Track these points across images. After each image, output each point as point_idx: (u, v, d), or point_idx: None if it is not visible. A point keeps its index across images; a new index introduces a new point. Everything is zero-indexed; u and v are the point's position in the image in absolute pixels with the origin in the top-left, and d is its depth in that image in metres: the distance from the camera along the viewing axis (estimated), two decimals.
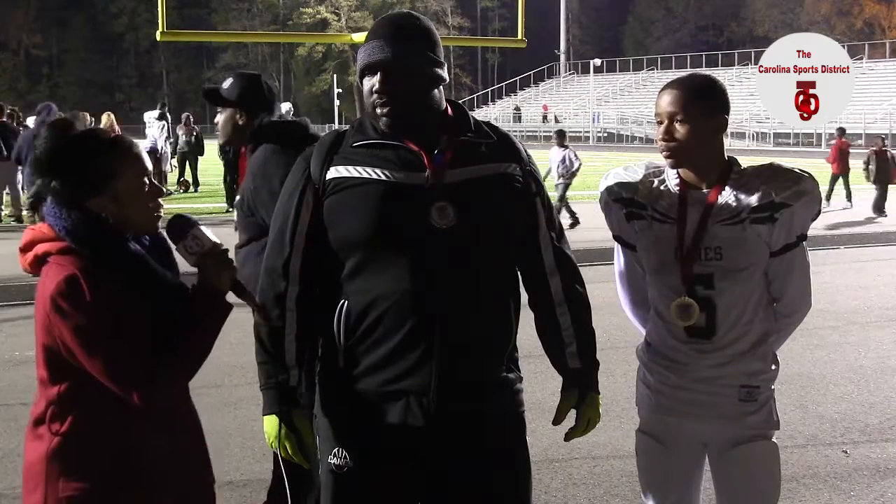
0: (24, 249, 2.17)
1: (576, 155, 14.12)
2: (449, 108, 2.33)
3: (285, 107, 18.84)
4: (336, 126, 54.62)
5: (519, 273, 2.39)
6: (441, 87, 2.29)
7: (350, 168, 2.22)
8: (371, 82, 2.22)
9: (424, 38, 2.25)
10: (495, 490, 2.30)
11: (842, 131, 18.31)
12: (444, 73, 2.29)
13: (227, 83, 3.51)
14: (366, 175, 2.20)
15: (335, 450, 2.27)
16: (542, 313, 2.40)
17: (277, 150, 3.28)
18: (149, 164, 2.21)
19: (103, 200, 2.12)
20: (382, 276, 2.19)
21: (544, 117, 60.86)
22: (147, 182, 2.17)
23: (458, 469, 2.27)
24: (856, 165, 17.38)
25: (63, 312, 2.02)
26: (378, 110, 2.22)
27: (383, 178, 2.19)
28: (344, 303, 2.23)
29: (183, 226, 2.15)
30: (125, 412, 2.09)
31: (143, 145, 2.46)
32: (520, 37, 17.65)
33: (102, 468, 2.10)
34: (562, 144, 14.15)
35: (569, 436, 2.46)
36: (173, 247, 2.18)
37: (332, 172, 2.24)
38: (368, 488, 2.26)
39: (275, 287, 2.28)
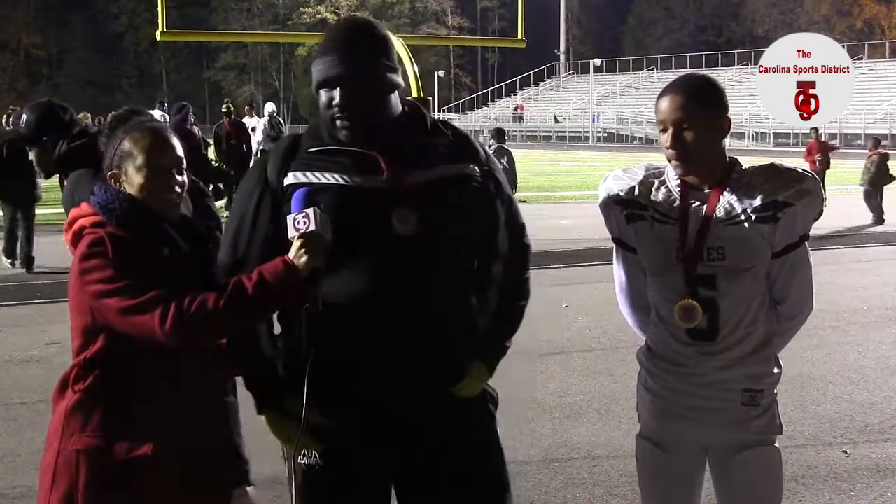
0: (67, 228, 2.32)
1: (509, 158, 13.78)
2: (406, 108, 2.36)
3: (269, 107, 18.79)
4: None
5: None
6: (397, 91, 2.31)
7: (308, 174, 2.24)
8: (329, 95, 2.24)
9: (378, 48, 2.27)
10: (469, 478, 2.32)
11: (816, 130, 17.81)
12: (399, 78, 2.31)
13: (23, 121, 3.63)
14: (324, 180, 2.22)
15: (304, 449, 2.31)
16: (479, 292, 2.41)
17: (83, 174, 3.41)
18: (179, 152, 2.31)
19: (126, 178, 2.27)
20: (343, 279, 2.22)
21: (520, 117, 60.85)
22: (168, 170, 2.28)
23: (429, 459, 2.31)
24: (842, 165, 17.12)
25: (88, 270, 2.17)
26: (338, 123, 2.25)
27: (341, 182, 2.22)
28: (306, 306, 2.25)
29: (304, 201, 2.17)
30: (143, 374, 2.21)
31: None
32: (520, 37, 17.67)
33: (112, 425, 2.21)
34: (499, 144, 14.02)
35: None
36: (290, 217, 2.16)
37: (290, 178, 2.26)
38: (339, 486, 2.30)
39: None
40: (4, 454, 4.81)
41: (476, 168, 2.33)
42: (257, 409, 2.37)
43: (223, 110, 16.71)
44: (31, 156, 3.68)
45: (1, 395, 5.87)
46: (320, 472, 2.30)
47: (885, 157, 15.92)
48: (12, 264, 10.70)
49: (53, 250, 2.50)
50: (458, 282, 2.31)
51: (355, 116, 2.23)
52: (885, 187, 15.74)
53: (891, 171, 15.77)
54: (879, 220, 15.34)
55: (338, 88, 2.22)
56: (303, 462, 2.31)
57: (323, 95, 2.26)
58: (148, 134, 2.30)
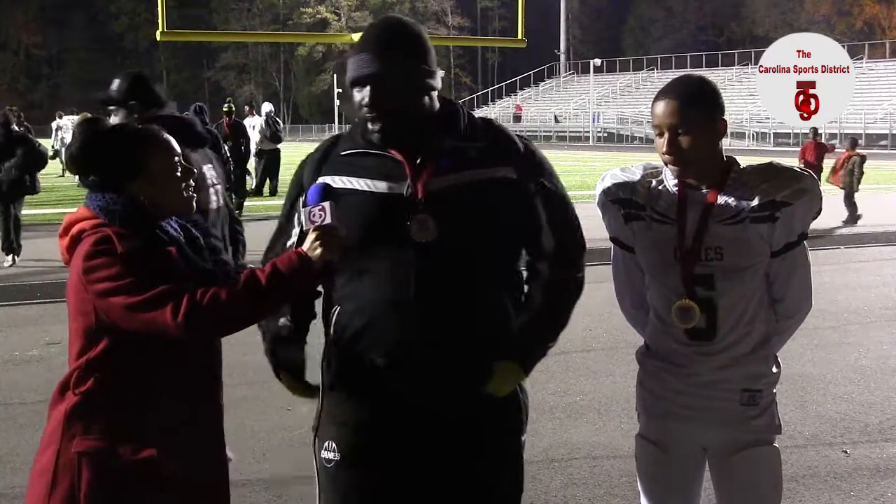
0: (63, 234, 2.26)
1: None
2: (442, 107, 2.33)
3: (266, 107, 18.55)
4: (336, 126, 54.62)
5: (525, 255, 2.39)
6: (432, 92, 2.29)
7: (336, 178, 2.26)
8: (361, 95, 2.23)
9: (414, 48, 2.24)
10: (488, 482, 2.32)
11: (814, 131, 17.48)
12: (436, 80, 2.28)
13: (114, 84, 3.56)
14: (350, 186, 2.24)
15: (327, 443, 2.33)
16: (520, 292, 2.40)
17: None
18: (177, 147, 2.30)
19: (140, 184, 2.23)
20: (368, 285, 2.24)
21: (518, 118, 60.80)
22: (178, 164, 2.28)
23: (449, 463, 2.30)
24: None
25: (94, 268, 2.12)
26: (370, 125, 2.24)
27: (366, 188, 2.23)
28: (336, 309, 2.31)
29: (321, 194, 2.16)
30: (144, 376, 2.19)
31: None
32: (520, 37, 17.69)
33: (116, 428, 2.19)
34: None
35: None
36: (305, 209, 2.16)
37: (320, 182, 2.27)
38: (357, 483, 2.31)
39: None
40: (4, 454, 4.81)
41: (511, 170, 2.28)
42: (273, 371, 2.40)
43: (224, 109, 16.30)
44: (113, 120, 3.54)
45: (1, 395, 5.87)
46: (339, 468, 2.31)
47: (863, 160, 15.66)
48: (13, 261, 10.77)
49: (55, 249, 2.51)
50: (486, 285, 2.28)
51: (385, 116, 2.21)
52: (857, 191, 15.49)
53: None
54: (854, 219, 15.02)
55: (368, 87, 2.20)
56: (324, 456, 2.34)
57: (356, 94, 2.24)
58: (162, 136, 2.29)
